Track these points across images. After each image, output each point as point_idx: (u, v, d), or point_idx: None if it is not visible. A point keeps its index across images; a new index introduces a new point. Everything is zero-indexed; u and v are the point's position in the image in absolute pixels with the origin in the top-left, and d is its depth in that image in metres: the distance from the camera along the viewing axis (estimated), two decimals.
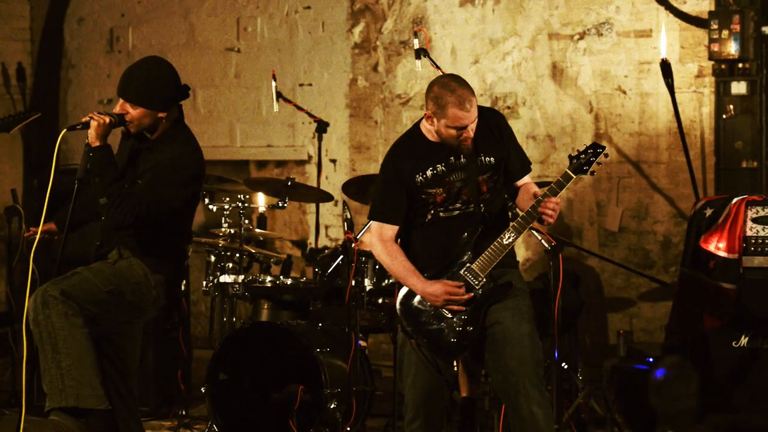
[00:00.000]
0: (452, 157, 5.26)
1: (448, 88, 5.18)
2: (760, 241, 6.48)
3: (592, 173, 5.22)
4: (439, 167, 5.25)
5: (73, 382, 5.41)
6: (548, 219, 5.14)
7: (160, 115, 5.63)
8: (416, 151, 5.30)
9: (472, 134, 5.20)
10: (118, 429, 5.69)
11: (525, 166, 5.44)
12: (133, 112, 5.63)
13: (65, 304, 5.41)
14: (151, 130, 5.69)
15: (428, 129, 5.32)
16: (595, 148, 5.23)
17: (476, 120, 5.20)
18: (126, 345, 5.82)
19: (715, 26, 8.17)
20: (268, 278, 7.12)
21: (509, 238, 5.17)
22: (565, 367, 6.79)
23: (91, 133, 5.54)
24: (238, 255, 7.23)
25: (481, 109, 5.25)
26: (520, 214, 5.22)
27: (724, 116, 8.31)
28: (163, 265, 5.68)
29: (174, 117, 5.72)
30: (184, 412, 7.11)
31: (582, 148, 5.24)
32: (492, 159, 5.29)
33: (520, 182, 5.41)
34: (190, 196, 5.72)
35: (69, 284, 5.49)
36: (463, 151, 5.23)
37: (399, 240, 5.37)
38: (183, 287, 6.60)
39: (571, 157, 5.23)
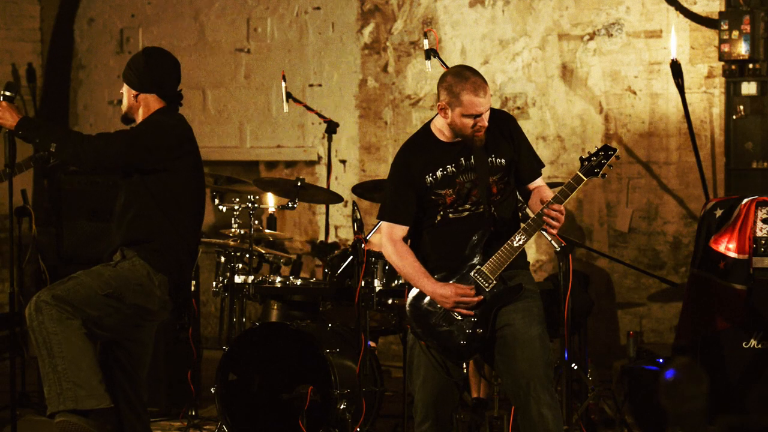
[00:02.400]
0: (462, 158, 5.25)
1: (462, 76, 5.17)
2: None
3: (603, 176, 5.19)
4: (449, 168, 5.24)
5: (69, 384, 5.42)
6: (550, 228, 5.13)
7: (133, 92, 5.73)
8: (426, 152, 5.29)
9: (486, 124, 5.18)
10: (124, 430, 5.71)
11: (537, 168, 5.41)
12: (123, 89, 5.81)
13: (58, 308, 5.42)
14: (136, 114, 5.78)
15: (439, 128, 5.30)
16: (607, 151, 5.20)
17: (489, 110, 5.19)
18: (137, 351, 5.82)
19: (726, 27, 8.17)
20: (278, 279, 7.13)
21: (520, 240, 5.15)
22: (575, 368, 6.78)
23: (4, 123, 5.63)
24: (247, 255, 7.23)
25: (492, 111, 5.24)
26: (531, 216, 5.21)
27: (734, 117, 8.31)
28: (167, 265, 5.65)
29: (155, 108, 5.75)
30: (193, 413, 7.12)
31: (593, 150, 5.21)
32: (503, 160, 5.27)
33: (532, 185, 5.39)
34: (162, 163, 5.64)
35: (63, 289, 5.49)
36: (477, 143, 5.20)
37: (409, 241, 5.36)
38: (193, 288, 6.61)
39: (582, 160, 5.20)
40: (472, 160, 5.24)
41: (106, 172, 5.78)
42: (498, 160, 5.27)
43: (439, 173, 5.25)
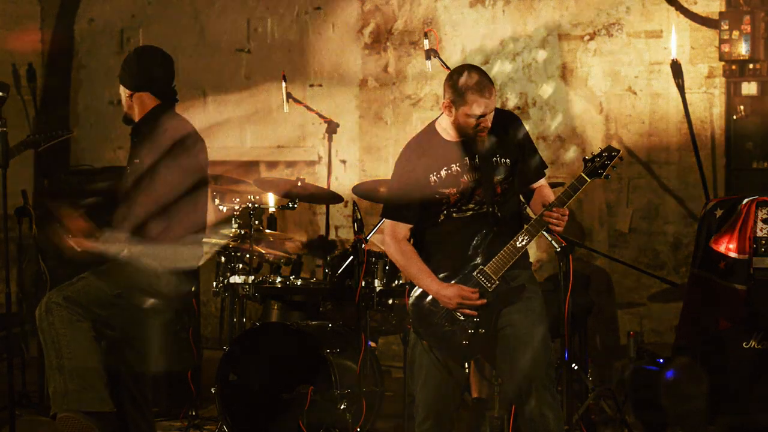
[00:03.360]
0: (467, 157, 5.25)
1: (469, 75, 5.18)
2: None
3: (606, 177, 5.20)
4: (454, 167, 5.24)
5: (75, 386, 5.45)
6: (555, 228, 5.14)
7: (127, 92, 5.80)
8: (431, 151, 5.29)
9: (489, 124, 5.19)
10: (129, 431, 5.73)
11: (540, 169, 5.42)
12: (120, 89, 5.88)
13: (69, 309, 5.45)
14: (133, 113, 5.84)
15: (444, 128, 5.31)
16: (610, 152, 5.21)
17: (494, 111, 5.19)
18: (142, 348, 5.84)
19: (726, 27, 8.15)
20: (278, 279, 7.13)
21: (522, 240, 5.16)
22: (575, 368, 6.78)
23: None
24: (248, 255, 7.23)
25: (497, 111, 5.24)
26: (533, 217, 5.21)
27: (734, 117, 8.29)
28: (174, 260, 5.67)
29: (151, 106, 5.78)
30: (194, 413, 7.12)
31: (596, 151, 5.22)
32: (507, 160, 5.28)
33: (536, 185, 5.39)
34: (176, 175, 5.71)
35: (73, 290, 5.52)
36: (479, 142, 5.21)
37: (412, 240, 5.36)
38: (193, 288, 6.62)
39: (585, 160, 5.21)
40: (477, 160, 5.24)
41: None
42: (503, 160, 5.27)
43: (443, 172, 5.25)
